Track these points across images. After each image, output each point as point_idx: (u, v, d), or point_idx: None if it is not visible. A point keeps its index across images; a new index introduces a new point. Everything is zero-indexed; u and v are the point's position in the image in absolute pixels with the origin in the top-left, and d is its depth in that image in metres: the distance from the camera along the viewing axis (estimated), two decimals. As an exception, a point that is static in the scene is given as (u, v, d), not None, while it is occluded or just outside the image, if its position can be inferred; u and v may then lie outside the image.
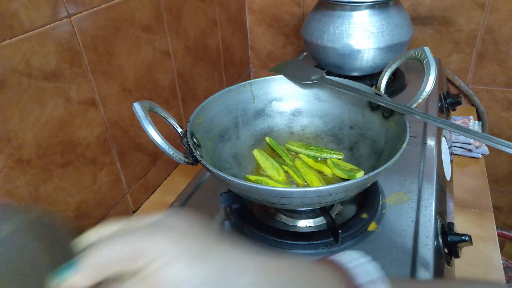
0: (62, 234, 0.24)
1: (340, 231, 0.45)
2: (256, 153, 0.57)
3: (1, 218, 0.22)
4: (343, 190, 0.40)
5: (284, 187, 0.40)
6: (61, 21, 0.52)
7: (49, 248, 0.23)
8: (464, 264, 0.59)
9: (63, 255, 0.23)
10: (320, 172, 0.54)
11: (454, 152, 0.84)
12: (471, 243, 0.47)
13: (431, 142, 0.63)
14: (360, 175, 0.50)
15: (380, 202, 0.51)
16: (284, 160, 0.56)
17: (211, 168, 0.42)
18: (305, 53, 0.98)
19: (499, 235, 0.87)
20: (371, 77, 0.78)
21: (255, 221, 0.49)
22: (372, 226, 0.48)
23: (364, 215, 0.48)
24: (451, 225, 0.50)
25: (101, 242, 0.23)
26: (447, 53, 0.95)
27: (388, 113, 0.51)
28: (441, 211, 0.52)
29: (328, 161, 0.54)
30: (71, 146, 0.57)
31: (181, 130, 0.49)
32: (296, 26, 1.05)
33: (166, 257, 0.22)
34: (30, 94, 0.49)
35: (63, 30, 0.53)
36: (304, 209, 0.50)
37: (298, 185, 0.52)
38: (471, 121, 0.91)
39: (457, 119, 0.92)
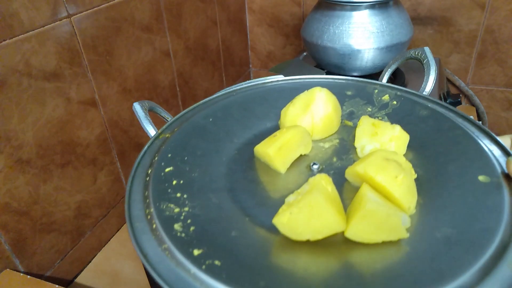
0: None
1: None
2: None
3: None
4: None
5: None
6: (61, 21, 0.52)
7: None
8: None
9: None
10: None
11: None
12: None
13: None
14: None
15: None
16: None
17: None
18: (305, 53, 0.98)
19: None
20: (371, 77, 0.78)
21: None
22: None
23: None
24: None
25: None
26: (447, 53, 0.95)
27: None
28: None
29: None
30: (71, 146, 0.57)
31: (181, 130, 0.49)
32: (296, 26, 1.05)
33: None
34: (30, 94, 0.49)
35: (63, 30, 0.53)
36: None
37: None
38: (471, 121, 0.90)
39: (457, 119, 0.92)
